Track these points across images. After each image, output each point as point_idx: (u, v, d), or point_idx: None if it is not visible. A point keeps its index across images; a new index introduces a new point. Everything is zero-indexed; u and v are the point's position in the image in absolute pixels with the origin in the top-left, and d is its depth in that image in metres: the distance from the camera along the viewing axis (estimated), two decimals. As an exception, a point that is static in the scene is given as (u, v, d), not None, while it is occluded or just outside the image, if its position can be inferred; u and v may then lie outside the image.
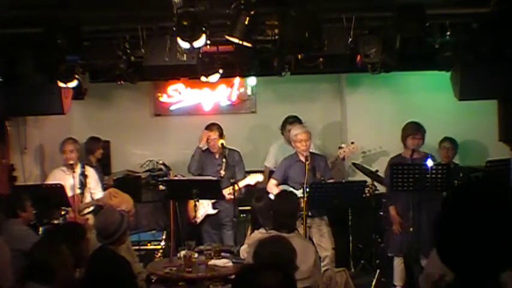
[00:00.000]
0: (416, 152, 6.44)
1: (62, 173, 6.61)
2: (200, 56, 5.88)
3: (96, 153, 7.52)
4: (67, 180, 6.48)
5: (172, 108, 8.63)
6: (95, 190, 6.67)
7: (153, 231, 7.54)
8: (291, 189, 6.31)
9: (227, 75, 6.81)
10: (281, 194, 5.34)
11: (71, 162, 6.50)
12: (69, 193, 6.38)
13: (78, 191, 6.51)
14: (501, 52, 5.78)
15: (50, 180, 6.57)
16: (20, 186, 6.82)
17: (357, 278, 6.73)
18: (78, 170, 6.61)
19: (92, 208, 6.49)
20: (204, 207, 6.81)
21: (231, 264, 5.32)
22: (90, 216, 6.45)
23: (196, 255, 5.41)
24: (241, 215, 7.11)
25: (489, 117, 7.14)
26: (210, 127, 6.89)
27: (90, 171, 6.73)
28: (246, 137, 8.53)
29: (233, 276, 4.61)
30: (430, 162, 6.02)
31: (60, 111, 6.66)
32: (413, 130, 6.47)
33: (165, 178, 7.33)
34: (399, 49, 5.60)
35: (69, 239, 3.77)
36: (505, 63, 6.09)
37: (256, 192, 6.43)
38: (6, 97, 6.28)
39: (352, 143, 7.07)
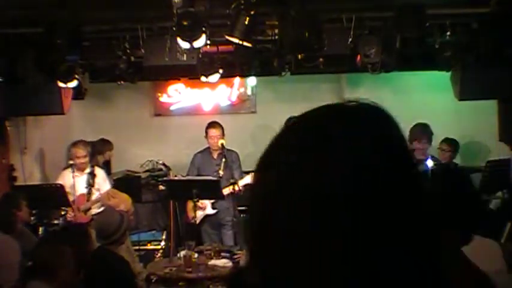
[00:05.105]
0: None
1: (70, 174, 6.59)
2: (200, 56, 5.88)
3: (106, 154, 7.53)
4: (76, 180, 6.49)
5: (172, 108, 8.63)
6: (103, 189, 6.65)
7: (153, 231, 7.54)
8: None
9: (227, 75, 6.80)
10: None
11: (84, 166, 6.50)
12: (78, 192, 6.42)
13: (84, 190, 6.53)
14: (501, 52, 5.78)
15: (59, 181, 6.57)
16: (20, 186, 6.81)
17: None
18: (87, 170, 6.64)
19: (99, 209, 6.42)
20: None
21: (231, 264, 5.32)
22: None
23: (196, 255, 5.41)
24: (242, 215, 7.10)
25: (489, 117, 7.12)
26: (212, 124, 6.88)
27: (99, 172, 6.75)
28: (246, 137, 8.51)
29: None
30: (430, 163, 6.01)
31: (60, 111, 6.65)
32: (419, 134, 6.32)
33: (165, 178, 7.33)
34: (399, 49, 5.60)
35: (73, 242, 3.78)
36: (505, 63, 6.08)
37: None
38: (6, 97, 6.28)
39: None
